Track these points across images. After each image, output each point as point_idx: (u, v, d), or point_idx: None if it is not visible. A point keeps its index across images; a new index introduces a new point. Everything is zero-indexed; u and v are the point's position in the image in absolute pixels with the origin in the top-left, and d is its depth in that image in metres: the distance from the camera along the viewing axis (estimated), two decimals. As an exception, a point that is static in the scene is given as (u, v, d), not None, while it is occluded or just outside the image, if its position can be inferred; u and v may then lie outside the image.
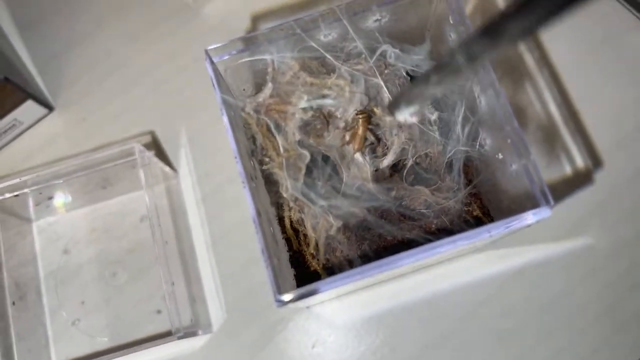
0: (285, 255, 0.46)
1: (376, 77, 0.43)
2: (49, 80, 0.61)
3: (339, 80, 0.43)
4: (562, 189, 0.52)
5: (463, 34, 0.41)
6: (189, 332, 0.46)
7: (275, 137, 0.43)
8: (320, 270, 0.45)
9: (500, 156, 0.41)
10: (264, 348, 0.51)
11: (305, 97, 0.42)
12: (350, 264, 0.44)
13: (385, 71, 0.44)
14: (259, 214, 0.38)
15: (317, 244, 0.44)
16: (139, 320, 0.52)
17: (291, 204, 0.44)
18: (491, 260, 0.51)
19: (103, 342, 0.52)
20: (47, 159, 0.58)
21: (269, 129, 0.43)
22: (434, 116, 0.44)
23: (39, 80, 0.61)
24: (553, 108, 0.55)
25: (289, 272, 0.45)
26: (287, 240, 0.47)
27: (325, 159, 0.44)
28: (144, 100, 0.59)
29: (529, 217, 0.37)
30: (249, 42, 0.42)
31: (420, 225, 0.44)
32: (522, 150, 0.38)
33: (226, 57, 0.42)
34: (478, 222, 0.46)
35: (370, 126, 0.44)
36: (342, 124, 0.43)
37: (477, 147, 0.43)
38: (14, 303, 0.50)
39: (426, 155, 0.45)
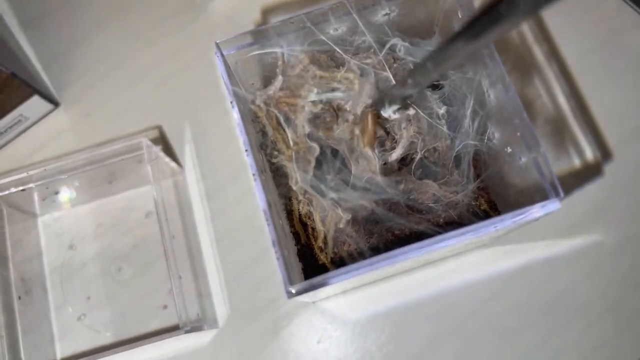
0: (293, 249, 0.46)
1: (385, 71, 0.43)
2: (55, 76, 0.61)
3: (348, 73, 0.43)
4: (570, 183, 0.53)
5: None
6: (196, 327, 0.46)
7: (285, 130, 0.43)
8: (328, 264, 0.45)
9: (509, 150, 0.41)
10: (269, 343, 0.51)
11: (315, 90, 0.42)
12: (359, 257, 0.44)
13: (394, 65, 0.44)
14: (269, 205, 0.38)
15: (325, 237, 0.44)
16: (145, 316, 0.52)
17: (300, 197, 0.44)
18: (497, 256, 0.51)
19: (108, 337, 0.52)
20: (53, 154, 0.58)
21: (278, 122, 0.43)
22: (442, 110, 0.44)
23: (44, 76, 0.61)
24: (562, 101, 0.55)
25: (296, 266, 0.45)
26: (295, 234, 0.47)
27: (335, 152, 0.45)
28: (149, 96, 0.59)
29: (538, 210, 0.37)
30: (259, 35, 0.42)
31: (428, 219, 0.45)
32: (531, 143, 0.38)
33: (236, 51, 0.42)
34: (486, 216, 0.46)
35: (379, 119, 0.44)
36: (351, 117, 0.44)
37: (486, 140, 0.43)
38: (19, 298, 0.50)
39: (434, 149, 0.45)
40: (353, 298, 0.51)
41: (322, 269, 0.46)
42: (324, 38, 0.42)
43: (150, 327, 0.52)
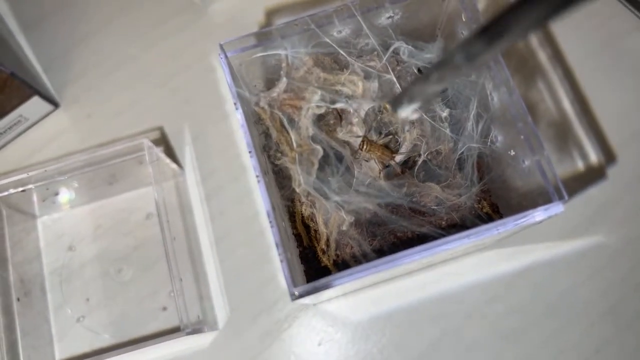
0: (295, 251, 0.46)
1: (389, 74, 0.43)
2: (55, 77, 0.60)
3: (352, 76, 0.43)
4: (573, 186, 0.53)
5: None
6: (196, 329, 0.45)
7: (288, 132, 0.43)
8: (331, 266, 0.45)
9: (513, 152, 0.41)
10: (270, 345, 0.50)
11: (319, 93, 0.42)
12: (362, 260, 0.44)
13: (398, 68, 0.44)
14: (272, 208, 0.38)
15: (328, 240, 0.44)
16: (144, 317, 0.52)
17: (303, 199, 0.44)
18: (499, 258, 0.51)
19: (107, 339, 0.51)
20: (53, 155, 0.57)
21: (282, 124, 0.43)
22: (445, 113, 0.44)
23: (44, 77, 0.60)
24: (565, 104, 0.55)
25: (299, 268, 0.45)
26: (298, 236, 0.47)
27: (338, 154, 0.45)
28: (149, 97, 0.59)
29: (541, 213, 0.37)
30: (263, 37, 0.42)
31: (431, 221, 0.45)
32: (535, 146, 0.38)
33: (239, 52, 0.42)
34: (488, 219, 0.46)
35: (381, 138, 0.44)
36: (355, 119, 0.44)
37: (489, 143, 0.44)
38: (18, 299, 0.49)
39: (438, 152, 0.45)
40: (354, 300, 0.51)
41: (325, 272, 0.45)
42: (328, 40, 0.42)
43: (150, 329, 0.52)
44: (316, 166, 0.43)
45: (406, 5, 0.43)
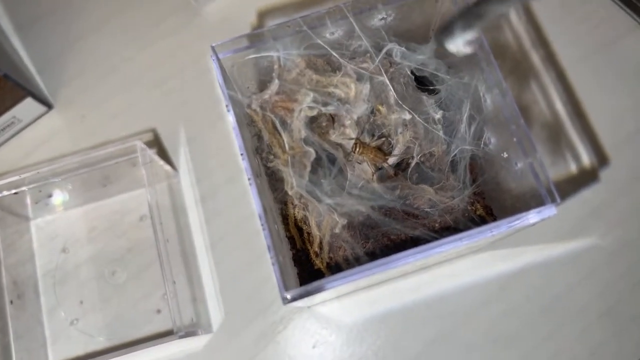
0: (288, 254, 0.46)
1: (382, 76, 0.43)
2: (48, 78, 0.60)
3: (344, 78, 0.43)
4: (567, 188, 0.53)
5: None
6: (190, 332, 0.45)
7: (280, 134, 0.43)
8: (324, 269, 0.45)
9: (506, 155, 0.41)
10: (264, 348, 0.50)
11: (312, 95, 0.42)
12: (355, 262, 0.44)
13: (391, 69, 0.44)
14: (265, 210, 0.37)
15: (321, 242, 0.44)
16: (138, 320, 0.52)
17: (296, 202, 0.43)
18: (493, 260, 0.51)
19: (101, 341, 0.51)
20: (46, 156, 0.57)
21: (274, 126, 0.43)
22: (438, 115, 0.44)
23: (37, 78, 0.60)
24: (558, 106, 0.55)
25: (292, 271, 0.45)
26: (291, 238, 0.47)
27: (331, 157, 0.44)
28: (143, 99, 0.59)
29: (534, 215, 0.37)
30: (255, 38, 0.42)
31: (424, 224, 0.44)
32: (528, 149, 0.38)
33: (232, 54, 0.42)
34: (482, 221, 0.46)
35: (374, 141, 0.44)
36: (347, 122, 0.43)
37: (482, 145, 0.43)
38: (11, 302, 0.49)
39: (431, 154, 0.45)
40: (349, 302, 0.51)
41: (318, 274, 0.45)
42: (320, 42, 0.42)
43: (144, 332, 0.51)
44: (309, 168, 0.42)
45: (399, 6, 0.43)
